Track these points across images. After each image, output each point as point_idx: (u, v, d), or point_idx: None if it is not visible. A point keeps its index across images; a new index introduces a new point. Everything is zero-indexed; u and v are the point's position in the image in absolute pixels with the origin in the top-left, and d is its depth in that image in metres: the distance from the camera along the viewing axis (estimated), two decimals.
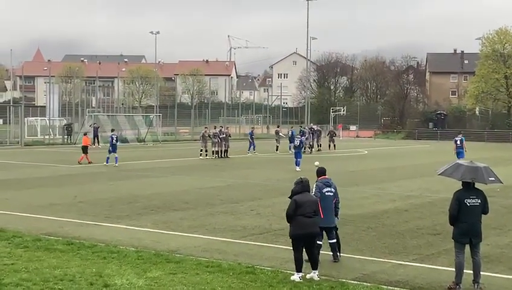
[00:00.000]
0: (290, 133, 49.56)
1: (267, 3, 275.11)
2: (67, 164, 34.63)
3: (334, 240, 12.55)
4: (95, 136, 54.09)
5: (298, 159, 33.30)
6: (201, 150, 41.46)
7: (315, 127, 53.93)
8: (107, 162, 34.32)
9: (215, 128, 43.92)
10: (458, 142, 38.75)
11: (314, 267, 11.11)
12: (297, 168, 32.19)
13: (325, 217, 12.12)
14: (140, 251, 12.90)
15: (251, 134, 48.11)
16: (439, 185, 25.19)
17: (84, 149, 35.91)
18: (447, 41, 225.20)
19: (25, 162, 36.00)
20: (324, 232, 12.40)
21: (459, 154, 37.74)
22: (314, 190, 12.30)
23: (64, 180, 27.13)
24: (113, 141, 35.51)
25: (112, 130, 39.67)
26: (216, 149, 41.73)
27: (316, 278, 10.96)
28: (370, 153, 50.71)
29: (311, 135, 50.61)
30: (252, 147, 46.53)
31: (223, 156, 41.70)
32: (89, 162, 35.13)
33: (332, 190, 12.51)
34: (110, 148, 35.12)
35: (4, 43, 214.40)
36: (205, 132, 42.57)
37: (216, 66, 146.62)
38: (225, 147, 42.19)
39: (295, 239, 11.10)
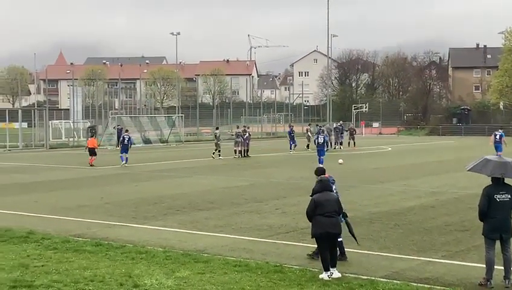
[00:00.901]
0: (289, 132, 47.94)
1: (286, 2, 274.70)
2: (93, 166, 34.84)
3: (341, 239, 12.39)
4: (119, 137, 54.18)
5: (321, 157, 33.22)
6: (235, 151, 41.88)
7: (338, 124, 53.86)
8: (122, 160, 34.72)
9: (237, 128, 43.97)
10: (497, 136, 40.00)
11: (333, 264, 11.07)
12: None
13: None
14: (168, 251, 12.97)
15: (290, 132, 46.97)
16: (465, 181, 24.99)
17: (92, 151, 35.45)
18: (469, 36, 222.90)
19: (51, 164, 36.34)
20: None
21: (497, 148, 39.18)
22: (335, 190, 12.22)
23: (90, 182, 27.34)
24: (124, 141, 35.71)
25: (126, 131, 39.56)
26: (239, 149, 41.80)
27: (337, 274, 10.92)
28: (394, 150, 50.44)
29: (337, 132, 50.78)
30: (293, 144, 45.69)
31: (244, 155, 41.75)
32: (91, 165, 34.59)
33: (335, 188, 12.54)
34: (121, 148, 35.47)
35: (27, 47, 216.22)
36: (238, 131, 42.82)
37: (237, 66, 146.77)
38: (246, 146, 42.20)
39: (318, 238, 11.10)
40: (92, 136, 58.74)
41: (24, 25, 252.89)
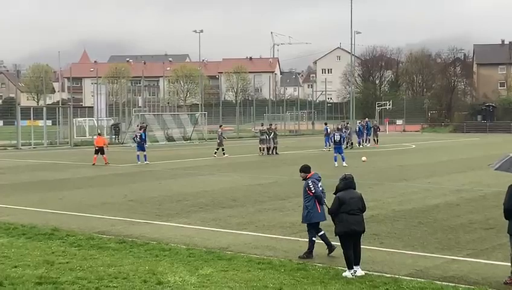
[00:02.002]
0: (326, 130, 47.97)
1: (310, 0, 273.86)
2: (116, 163, 35.06)
3: (323, 231, 12.60)
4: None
5: (341, 154, 32.92)
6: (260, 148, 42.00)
7: (364, 122, 53.99)
8: (138, 160, 34.79)
9: (261, 126, 43.91)
10: None
11: (357, 262, 11.03)
12: (344, 163, 32.06)
13: (321, 211, 12.37)
14: (191, 248, 13.00)
15: (326, 129, 47.71)
16: (490, 179, 24.73)
17: (100, 150, 34.42)
18: (494, 32, 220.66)
19: (75, 162, 36.62)
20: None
21: None
22: (311, 186, 12.38)
23: (114, 179, 27.52)
24: (137, 138, 35.47)
25: (140, 128, 37.86)
26: (264, 146, 41.80)
27: (360, 272, 10.89)
28: (418, 147, 50.10)
29: (366, 130, 51.12)
30: (327, 142, 45.42)
31: (270, 153, 41.71)
32: (93, 164, 33.72)
33: (321, 185, 12.66)
34: (136, 146, 35.42)
35: (51, 45, 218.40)
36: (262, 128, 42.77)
37: (260, 63, 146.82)
38: (274, 143, 42.11)
39: (342, 236, 11.07)
40: (115, 134, 59.87)
41: (49, 23, 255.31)
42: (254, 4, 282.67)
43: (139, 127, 39.24)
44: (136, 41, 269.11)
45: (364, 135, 52.00)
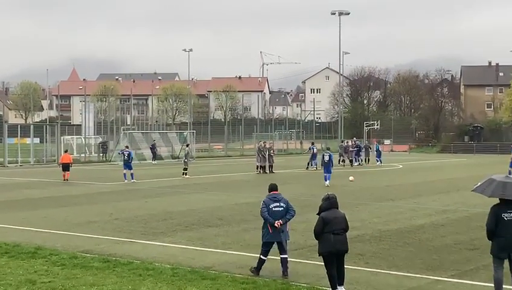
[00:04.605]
0: (312, 149, 47.18)
1: (299, 20, 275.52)
2: (103, 182, 34.95)
3: (286, 255, 12.48)
4: (153, 153, 57.48)
5: (329, 174, 32.97)
6: (257, 166, 41.91)
7: (358, 142, 54.84)
8: (125, 179, 34.74)
9: (264, 144, 43.42)
10: None
11: (341, 282, 11.01)
12: (326, 183, 32.03)
13: (273, 232, 12.31)
14: (175, 267, 12.93)
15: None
16: (476, 199, 24.73)
17: (65, 166, 35.57)
18: (481, 54, 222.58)
19: (61, 180, 36.40)
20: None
21: None
22: (261, 206, 12.48)
23: (100, 197, 27.39)
24: (124, 157, 35.55)
25: (126, 147, 38.96)
26: (261, 164, 41.73)
27: None
28: (405, 167, 50.27)
29: (358, 149, 51.83)
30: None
31: (267, 171, 41.57)
32: (65, 180, 34.86)
33: (282, 204, 12.49)
34: (123, 164, 35.50)
35: (41, 62, 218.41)
36: (260, 145, 42.66)
37: (249, 82, 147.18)
38: (270, 162, 42.06)
39: (325, 256, 11.05)
40: (103, 152, 59.73)
41: (39, 41, 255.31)
42: (244, 25, 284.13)
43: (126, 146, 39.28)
44: (126, 60, 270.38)
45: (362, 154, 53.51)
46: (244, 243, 16.14)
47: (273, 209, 12.41)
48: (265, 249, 12.54)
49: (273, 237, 12.39)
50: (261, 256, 12.50)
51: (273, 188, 12.88)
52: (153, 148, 58.07)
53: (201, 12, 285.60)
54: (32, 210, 22.95)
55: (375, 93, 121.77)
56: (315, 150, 46.49)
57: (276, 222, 12.23)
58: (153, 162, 55.67)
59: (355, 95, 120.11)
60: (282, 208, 12.46)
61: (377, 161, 53.23)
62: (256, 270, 12.42)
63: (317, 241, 11.33)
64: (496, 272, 10.48)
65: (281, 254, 12.49)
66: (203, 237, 16.94)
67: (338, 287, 10.89)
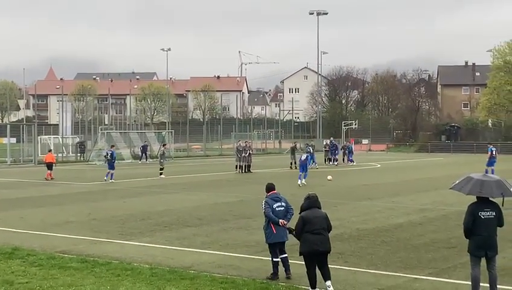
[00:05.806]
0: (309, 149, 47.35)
1: (278, 21, 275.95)
2: (80, 182, 34.73)
3: (286, 255, 12.42)
4: (144, 152, 57.89)
5: (305, 173, 33.03)
6: (236, 166, 42.02)
7: (334, 141, 55.06)
8: (106, 176, 34.82)
9: (243, 143, 43.60)
10: (494, 152, 40.37)
11: (327, 278, 10.99)
12: (300, 182, 32.03)
13: (277, 232, 12.21)
14: (154, 267, 12.88)
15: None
16: (453, 198, 24.95)
17: (49, 166, 36.50)
18: (458, 54, 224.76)
19: (39, 180, 36.12)
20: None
21: (494, 163, 39.69)
22: (263, 206, 12.38)
23: (78, 197, 27.20)
24: (108, 156, 35.80)
25: (112, 146, 39.48)
26: (240, 164, 41.81)
27: (331, 288, 10.87)
28: (383, 167, 50.53)
29: (334, 149, 51.99)
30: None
31: (245, 171, 41.67)
32: (51, 178, 35.72)
33: (283, 204, 12.46)
34: (106, 164, 35.72)
35: (17, 62, 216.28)
36: (239, 145, 42.82)
37: (227, 82, 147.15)
38: (248, 161, 42.11)
39: (305, 256, 11.04)
40: (81, 152, 59.32)
41: (17, 40, 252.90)
42: (223, 25, 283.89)
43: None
44: (106, 59, 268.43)
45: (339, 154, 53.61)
46: (224, 242, 16.12)
47: (276, 209, 12.32)
48: (273, 250, 12.32)
49: (278, 237, 12.22)
50: (273, 259, 12.25)
51: (271, 187, 12.78)
52: (144, 148, 57.98)
53: (181, 12, 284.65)
54: (8, 210, 22.72)
55: (353, 93, 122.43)
56: (311, 150, 46.81)
57: (281, 220, 12.13)
58: (147, 161, 55.67)
59: (333, 95, 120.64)
60: (283, 207, 12.41)
61: (349, 161, 53.36)
62: (274, 274, 12.12)
63: (297, 240, 11.33)
64: (473, 270, 10.56)
65: (280, 254, 12.37)
66: (181, 237, 16.90)
67: (326, 282, 10.88)
